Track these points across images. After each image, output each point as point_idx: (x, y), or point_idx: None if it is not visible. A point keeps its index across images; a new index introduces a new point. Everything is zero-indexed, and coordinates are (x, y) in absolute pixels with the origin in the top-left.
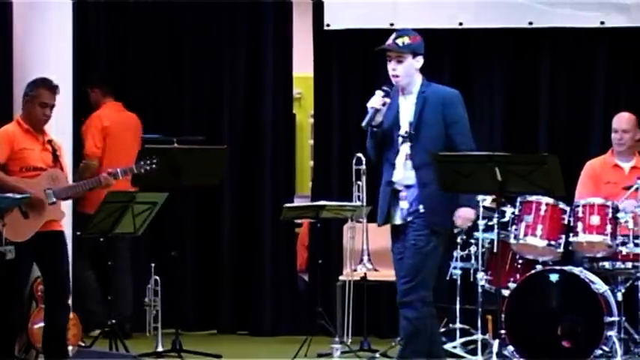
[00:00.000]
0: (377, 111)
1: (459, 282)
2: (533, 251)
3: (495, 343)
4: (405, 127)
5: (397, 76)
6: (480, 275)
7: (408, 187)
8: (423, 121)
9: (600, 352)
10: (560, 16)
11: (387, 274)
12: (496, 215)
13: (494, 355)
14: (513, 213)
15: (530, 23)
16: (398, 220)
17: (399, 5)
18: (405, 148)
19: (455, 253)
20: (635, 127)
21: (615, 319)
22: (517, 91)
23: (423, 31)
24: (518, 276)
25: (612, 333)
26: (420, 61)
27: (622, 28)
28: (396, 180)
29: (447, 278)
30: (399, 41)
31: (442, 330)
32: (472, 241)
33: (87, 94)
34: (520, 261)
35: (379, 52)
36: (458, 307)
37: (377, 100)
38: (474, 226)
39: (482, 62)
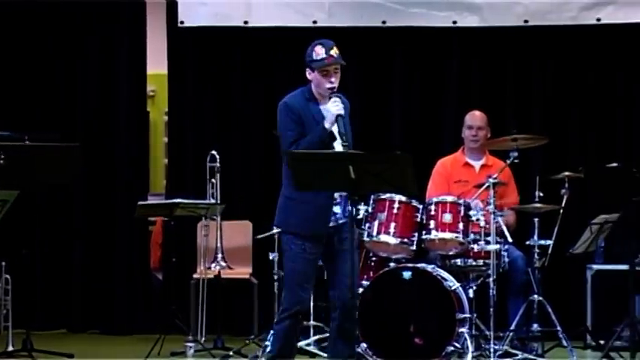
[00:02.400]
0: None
1: None
2: (386, 249)
3: None
4: (337, 136)
5: (334, 88)
6: None
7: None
8: (347, 128)
9: (452, 348)
10: (413, 15)
11: (241, 271)
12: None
13: None
14: (367, 211)
15: (384, 22)
16: (331, 223)
17: (253, 4)
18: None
19: None
20: (487, 125)
21: (467, 315)
22: (371, 89)
23: (277, 29)
24: (371, 273)
25: (464, 330)
26: None
27: (474, 28)
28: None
29: None
30: (334, 53)
31: None
32: None
33: None
34: (373, 259)
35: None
36: (312, 304)
37: (340, 107)
38: None
39: None
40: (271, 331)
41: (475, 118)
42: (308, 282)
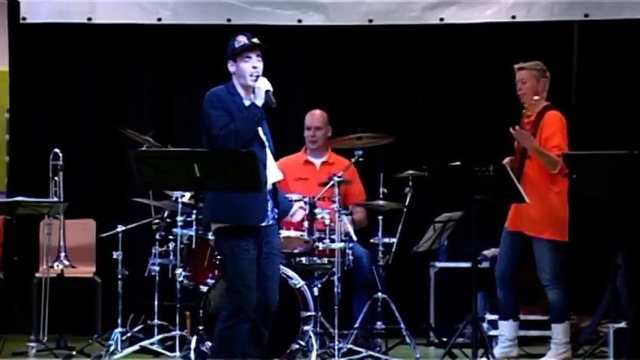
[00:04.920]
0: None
1: (157, 278)
2: None
3: (193, 339)
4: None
5: (259, 73)
6: (179, 271)
7: (270, 191)
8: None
9: (297, 346)
10: (258, 13)
11: (85, 270)
12: (194, 211)
13: (191, 351)
14: None
15: (229, 20)
16: (265, 221)
17: (97, 1)
18: (267, 151)
19: (153, 250)
20: (327, 124)
21: (312, 313)
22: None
23: (122, 26)
24: (216, 272)
25: (309, 328)
26: None
27: (319, 27)
28: (272, 181)
29: (146, 274)
30: (255, 40)
31: (140, 327)
32: (171, 237)
33: None
34: (219, 257)
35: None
36: (156, 303)
37: (268, 84)
38: (173, 223)
39: (184, 58)
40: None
41: (313, 118)
42: (253, 282)
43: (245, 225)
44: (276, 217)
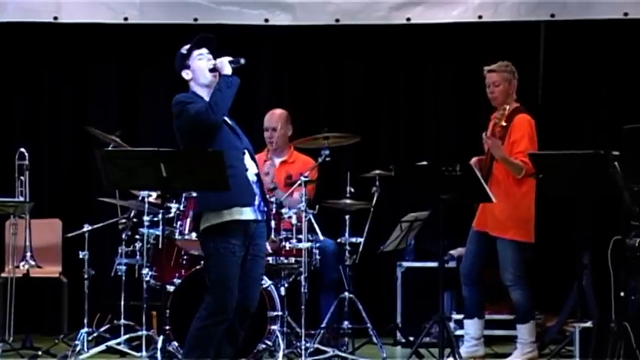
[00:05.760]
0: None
1: (123, 278)
2: (198, 246)
3: (160, 339)
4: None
5: (215, 63)
6: (145, 271)
7: (255, 182)
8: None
9: (264, 346)
10: (225, 13)
11: (51, 270)
12: (161, 211)
13: (158, 351)
14: (178, 209)
15: (196, 20)
16: (252, 215)
17: (63, 0)
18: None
19: (120, 249)
20: (286, 124)
21: (278, 313)
22: (184, 86)
23: (88, 26)
24: (183, 272)
25: (275, 327)
26: None
27: (286, 27)
28: (253, 170)
29: (112, 274)
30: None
31: (106, 327)
32: (137, 237)
33: None
34: (185, 257)
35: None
36: (123, 303)
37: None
38: (140, 222)
39: (150, 57)
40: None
41: (270, 119)
42: (236, 285)
43: (233, 220)
44: (264, 211)
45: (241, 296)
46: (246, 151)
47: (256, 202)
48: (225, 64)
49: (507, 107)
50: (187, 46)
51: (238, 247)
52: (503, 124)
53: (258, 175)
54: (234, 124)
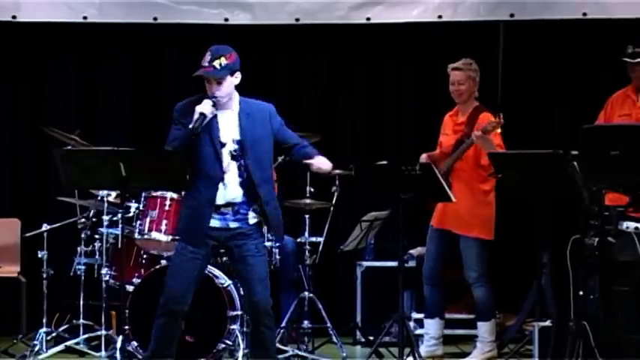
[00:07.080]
0: (205, 118)
1: (83, 278)
2: (157, 246)
3: (119, 339)
4: (231, 145)
5: (218, 98)
6: (105, 271)
7: (233, 204)
8: (255, 137)
9: (224, 345)
10: (184, 12)
11: (9, 270)
12: (120, 211)
13: (117, 351)
14: (138, 208)
15: (155, 19)
16: (218, 224)
17: None
18: (233, 166)
19: (79, 249)
20: None
21: (238, 313)
22: (143, 86)
23: (47, 25)
24: (143, 271)
25: (235, 327)
26: (238, 77)
27: (246, 26)
28: (229, 199)
29: (71, 274)
30: (217, 63)
31: (65, 327)
32: (97, 236)
33: None
34: (145, 256)
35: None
36: (82, 302)
37: (207, 108)
38: (99, 222)
39: (110, 56)
40: None
41: None
42: (177, 282)
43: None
44: (247, 215)
45: (247, 295)
46: (225, 177)
47: (230, 211)
48: (196, 113)
49: (501, 115)
50: (201, 64)
51: (190, 253)
52: (460, 121)
53: (245, 182)
54: (237, 150)
